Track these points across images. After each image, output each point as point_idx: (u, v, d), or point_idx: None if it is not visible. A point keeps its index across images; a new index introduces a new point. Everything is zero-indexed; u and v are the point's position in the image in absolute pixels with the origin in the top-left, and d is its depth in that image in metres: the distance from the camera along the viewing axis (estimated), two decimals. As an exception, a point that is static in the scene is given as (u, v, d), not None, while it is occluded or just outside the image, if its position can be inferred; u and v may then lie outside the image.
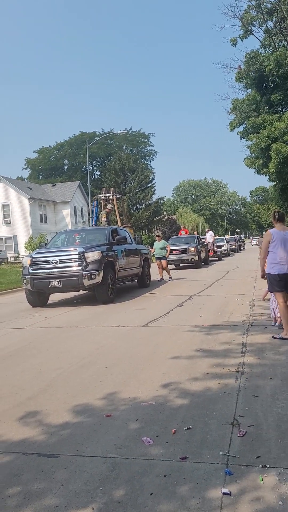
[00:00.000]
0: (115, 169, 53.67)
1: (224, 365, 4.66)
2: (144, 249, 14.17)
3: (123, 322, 7.53)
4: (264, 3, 30.69)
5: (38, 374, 4.77)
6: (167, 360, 4.97)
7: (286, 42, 30.89)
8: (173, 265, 21.08)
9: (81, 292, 11.21)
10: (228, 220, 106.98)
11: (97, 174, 75.32)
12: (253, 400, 3.61)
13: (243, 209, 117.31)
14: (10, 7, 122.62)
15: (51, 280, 10.02)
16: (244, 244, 53.28)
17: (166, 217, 57.56)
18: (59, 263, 10.13)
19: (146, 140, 79.22)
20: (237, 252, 42.67)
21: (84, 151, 63.42)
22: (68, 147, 75.86)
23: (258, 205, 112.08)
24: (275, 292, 5.85)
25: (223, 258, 29.65)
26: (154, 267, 16.61)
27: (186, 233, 30.01)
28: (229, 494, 2.32)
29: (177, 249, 20.76)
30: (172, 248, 19.13)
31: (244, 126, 32.37)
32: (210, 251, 26.15)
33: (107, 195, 22.43)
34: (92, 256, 10.07)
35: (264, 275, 6.03)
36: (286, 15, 29.25)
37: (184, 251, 21.10)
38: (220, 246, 30.48)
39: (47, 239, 38.58)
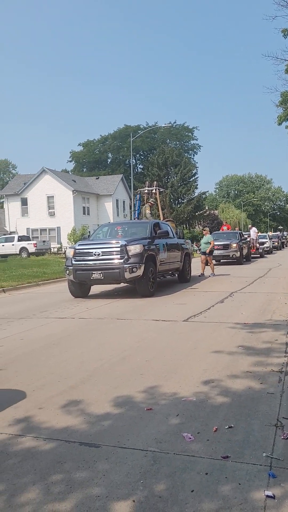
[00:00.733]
0: (158, 163, 53.60)
1: (266, 364, 4.56)
2: (185, 244, 14.10)
3: (164, 316, 7.53)
4: None
5: (80, 364, 4.84)
6: (208, 357, 4.92)
7: None
8: (214, 260, 20.85)
9: (122, 284, 11.30)
10: (272, 217, 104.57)
11: (140, 168, 75.49)
12: (297, 402, 3.52)
13: (287, 205, 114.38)
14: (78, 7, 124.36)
15: (93, 272, 10.16)
16: (287, 241, 52.11)
17: (207, 212, 57.01)
18: (101, 255, 10.24)
19: (190, 134, 78.56)
20: (280, 249, 41.69)
21: (127, 144, 63.70)
22: (112, 140, 76.42)
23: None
24: None
25: (265, 255, 29.06)
26: (195, 262, 16.49)
27: (228, 229, 29.58)
28: (273, 497, 2.27)
29: (218, 245, 20.52)
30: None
31: (293, 120, 31.39)
32: (252, 247, 25.68)
33: (150, 188, 22.43)
34: (134, 249, 10.12)
35: None
36: None
37: (226, 246, 20.84)
38: (263, 243, 29.87)
39: (89, 231, 39.16)
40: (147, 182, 24.65)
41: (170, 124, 52.23)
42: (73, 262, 10.43)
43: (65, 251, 33.49)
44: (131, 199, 43.62)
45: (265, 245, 30.38)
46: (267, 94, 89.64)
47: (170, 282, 13.29)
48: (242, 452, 2.75)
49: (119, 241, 10.36)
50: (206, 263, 15.74)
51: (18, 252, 35.35)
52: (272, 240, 36.95)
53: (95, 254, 10.30)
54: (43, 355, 5.31)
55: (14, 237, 37.34)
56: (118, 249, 10.16)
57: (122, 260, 10.02)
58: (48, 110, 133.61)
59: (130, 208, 44.53)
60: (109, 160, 79.23)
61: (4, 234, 42.25)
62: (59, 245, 41.32)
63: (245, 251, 22.33)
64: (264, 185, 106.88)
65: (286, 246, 50.37)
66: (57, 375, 4.47)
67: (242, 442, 2.88)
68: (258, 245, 27.28)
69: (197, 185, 54.53)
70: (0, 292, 12.99)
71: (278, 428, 3.06)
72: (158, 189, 22.55)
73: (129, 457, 2.74)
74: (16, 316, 8.38)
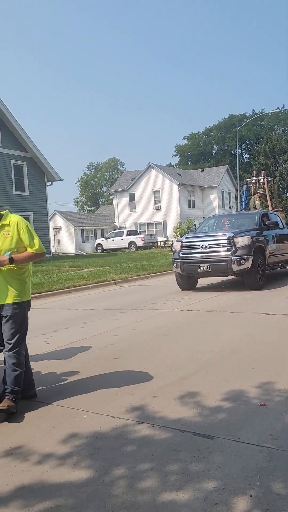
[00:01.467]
0: (265, 151, 51.61)
1: None
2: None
3: (274, 310, 7.25)
4: None
5: (191, 355, 4.88)
6: None
7: None
8: None
9: (229, 277, 11.13)
10: None
11: (245, 157, 73.41)
12: None
13: None
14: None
15: (200, 265, 10.15)
16: None
17: None
18: (209, 248, 10.19)
19: (300, 118, 74.22)
20: None
21: (233, 134, 62.30)
22: (217, 131, 75.34)
23: None
24: None
25: None
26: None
27: None
28: None
29: None
30: None
31: None
32: None
33: (257, 178, 21.71)
34: (242, 241, 9.90)
35: None
36: None
37: None
38: None
39: (195, 224, 39.18)
40: (254, 171, 23.85)
41: (278, 110, 49.81)
42: (180, 255, 10.53)
43: (171, 245, 34.02)
44: (237, 190, 42.64)
45: None
46: None
47: (280, 274, 12.75)
48: None
49: (226, 233, 10.21)
50: None
51: (127, 246, 36.74)
52: None
53: (202, 247, 10.28)
54: (154, 345, 5.46)
55: (123, 231, 38.87)
56: (225, 241, 10.02)
57: (229, 253, 9.86)
58: (153, 106, 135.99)
59: (236, 200, 43.56)
60: (213, 152, 78.29)
61: (114, 229, 44.16)
62: (165, 239, 41.98)
63: None
64: None
65: None
66: (168, 365, 4.56)
67: None
68: None
69: (308, 172, 51.42)
70: (111, 285, 13.61)
71: None
72: (266, 179, 21.72)
73: (244, 451, 2.69)
74: (127, 307, 8.71)
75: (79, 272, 16.55)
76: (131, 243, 36.82)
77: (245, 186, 22.11)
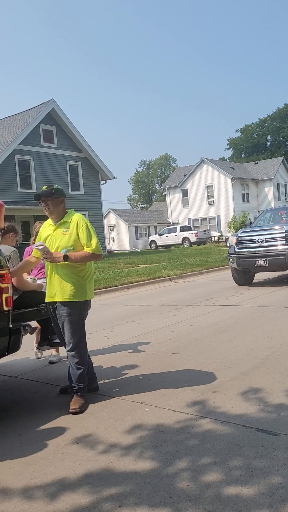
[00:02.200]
0: None
1: None
2: None
3: None
4: None
5: (250, 351, 4.81)
6: None
7: None
8: None
9: (288, 271, 10.83)
10: None
11: (302, 147, 70.80)
12: None
13: None
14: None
15: (257, 259, 9.95)
16: None
17: None
18: (265, 242, 9.96)
19: None
20: None
21: (288, 124, 60.29)
22: (271, 122, 73.19)
23: None
24: None
25: None
26: None
27: None
28: None
29: None
30: None
31: None
32: None
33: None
34: (300, 234, 9.59)
35: None
36: None
37: None
38: None
39: (249, 218, 38.35)
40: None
41: None
42: (236, 250, 10.37)
43: (225, 240, 33.52)
44: (293, 182, 41.24)
45: None
46: None
47: None
48: None
49: (284, 226, 9.93)
50: None
51: (180, 242, 36.68)
52: None
53: (258, 241, 10.07)
54: (212, 341, 5.43)
55: (176, 228, 38.81)
56: (283, 234, 9.75)
57: (287, 246, 9.59)
58: (204, 100, 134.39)
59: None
60: (268, 143, 76.11)
61: (167, 226, 44.19)
62: (219, 234, 41.46)
63: None
64: None
65: None
66: (227, 360, 4.53)
67: None
68: None
69: None
70: (166, 281, 13.66)
71: None
72: None
73: (310, 449, 2.63)
74: (183, 303, 8.72)
75: (134, 269, 16.74)
76: (185, 239, 36.69)
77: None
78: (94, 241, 3.69)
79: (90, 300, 3.90)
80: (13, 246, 4.73)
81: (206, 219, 44.73)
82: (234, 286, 10.53)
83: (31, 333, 4.19)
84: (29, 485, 2.55)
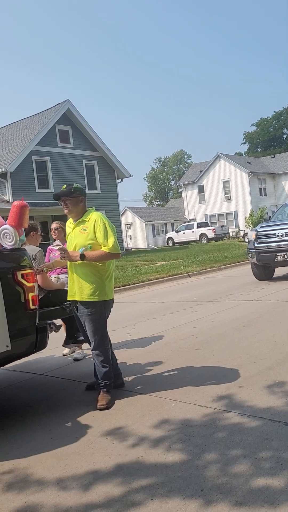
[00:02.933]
0: None
1: None
2: None
3: None
4: None
5: (274, 345, 4.80)
6: None
7: None
8: None
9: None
10: None
11: None
12: None
13: None
14: None
15: (277, 254, 9.88)
16: None
17: None
18: (285, 236, 9.87)
19: None
20: None
21: (304, 116, 59.47)
22: None
23: None
24: None
25: None
26: None
27: None
28: None
29: None
30: None
31: None
32: None
33: None
34: None
35: None
36: None
37: None
38: None
39: (267, 213, 37.98)
40: None
41: None
42: (256, 244, 10.31)
43: (243, 235, 33.28)
44: (311, 175, 40.67)
45: None
46: None
47: None
48: None
49: (304, 220, 9.85)
50: None
51: (198, 239, 36.55)
52: None
53: (278, 235, 9.99)
54: (235, 336, 5.44)
55: (193, 224, 38.69)
56: (303, 228, 9.66)
57: (308, 240, 9.51)
58: (218, 95, 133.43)
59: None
60: (285, 136, 75.22)
61: (184, 222, 44.10)
62: (237, 229, 41.18)
63: None
64: None
65: None
66: (251, 355, 4.53)
67: None
68: None
69: None
70: (185, 277, 13.66)
71: None
72: None
73: None
74: (204, 299, 8.72)
75: (153, 266, 16.78)
76: (202, 235, 36.56)
77: None
78: (111, 240, 3.64)
79: (112, 299, 3.90)
80: (36, 245, 4.81)
81: (223, 214, 44.47)
82: (254, 281, 10.48)
83: (56, 331, 4.26)
84: (63, 478, 2.62)
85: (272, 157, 50.70)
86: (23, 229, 3.88)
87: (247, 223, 38.29)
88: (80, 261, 3.64)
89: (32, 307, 3.59)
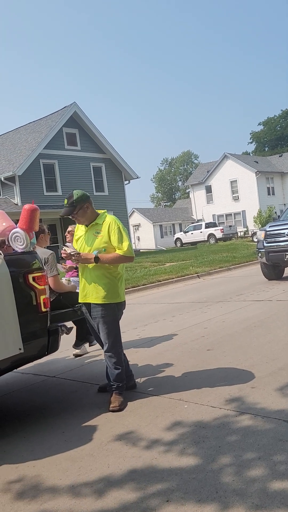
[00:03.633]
0: None
1: None
2: None
3: None
4: None
5: (286, 345, 4.77)
6: None
7: None
8: None
9: None
10: None
11: None
12: None
13: None
14: None
15: (287, 253, 9.82)
16: None
17: None
18: (294, 235, 9.82)
19: None
20: None
21: (312, 114, 59.13)
22: (295, 112, 71.97)
23: None
24: None
25: None
26: None
27: None
28: None
29: None
30: None
31: None
32: None
33: None
34: None
35: None
36: None
37: None
38: None
39: (276, 212, 37.81)
40: None
41: None
42: (265, 244, 10.25)
43: (252, 235, 33.11)
44: None
45: None
46: None
47: None
48: None
49: (313, 219, 9.78)
50: None
51: (206, 239, 36.48)
52: None
53: (287, 235, 9.94)
54: (246, 336, 5.41)
55: (201, 224, 38.63)
56: (313, 227, 9.60)
57: None
58: (225, 95, 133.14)
59: None
60: (292, 135, 74.82)
61: (192, 223, 44.01)
62: (245, 229, 41.02)
63: None
64: None
65: None
66: (263, 356, 4.50)
67: None
68: None
69: None
70: (195, 278, 13.63)
71: None
72: None
73: None
74: (213, 299, 8.69)
75: (162, 267, 16.76)
76: (210, 235, 36.47)
77: None
78: (126, 243, 3.67)
79: (124, 301, 3.90)
80: (45, 247, 4.82)
81: (231, 214, 44.32)
82: (264, 281, 10.42)
83: (67, 334, 4.28)
84: (77, 481, 2.62)
85: (279, 156, 50.46)
86: (33, 232, 3.89)
87: (256, 223, 38.14)
88: (94, 263, 3.64)
89: (43, 309, 3.60)
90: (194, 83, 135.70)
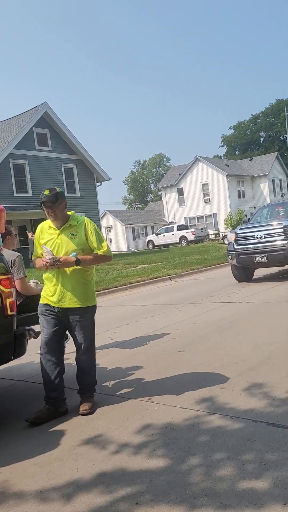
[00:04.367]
0: None
1: None
2: None
3: None
4: None
5: (255, 346, 4.84)
6: None
7: None
8: None
9: (287, 266, 10.86)
10: None
11: (296, 143, 70.94)
12: None
13: None
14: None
15: (256, 255, 9.99)
16: None
17: None
18: (264, 238, 10.00)
19: None
20: None
21: (281, 119, 60.66)
22: (264, 118, 73.39)
23: None
24: None
25: None
26: None
27: None
28: None
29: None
30: None
31: None
32: None
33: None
34: (299, 228, 9.63)
35: None
36: None
37: None
38: None
39: (246, 215, 38.41)
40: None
41: None
42: (235, 246, 10.40)
43: (223, 237, 33.56)
44: (288, 177, 41.31)
45: None
46: None
47: None
48: None
49: (282, 222, 9.97)
50: None
51: (178, 241, 36.75)
52: None
53: (257, 237, 10.10)
54: (217, 338, 5.46)
55: (173, 227, 38.88)
56: (281, 230, 9.79)
57: (286, 241, 9.63)
58: (196, 98, 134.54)
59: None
60: (261, 139, 76.33)
61: (164, 225, 44.23)
62: (217, 231, 41.53)
63: None
64: None
65: None
66: (233, 357, 4.56)
67: None
68: None
69: None
70: (166, 280, 13.69)
71: None
72: None
73: None
74: (185, 301, 8.75)
75: (134, 269, 16.75)
76: (182, 237, 36.75)
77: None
78: (105, 243, 3.68)
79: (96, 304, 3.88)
80: (13, 249, 4.72)
81: (202, 217, 44.79)
82: (234, 283, 10.56)
83: (35, 338, 4.20)
84: (45, 486, 2.57)
85: (250, 160, 51.39)
86: (0, 234, 3.81)
87: (226, 225, 38.65)
88: (72, 267, 3.57)
89: (9, 313, 3.51)
90: (166, 87, 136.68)
